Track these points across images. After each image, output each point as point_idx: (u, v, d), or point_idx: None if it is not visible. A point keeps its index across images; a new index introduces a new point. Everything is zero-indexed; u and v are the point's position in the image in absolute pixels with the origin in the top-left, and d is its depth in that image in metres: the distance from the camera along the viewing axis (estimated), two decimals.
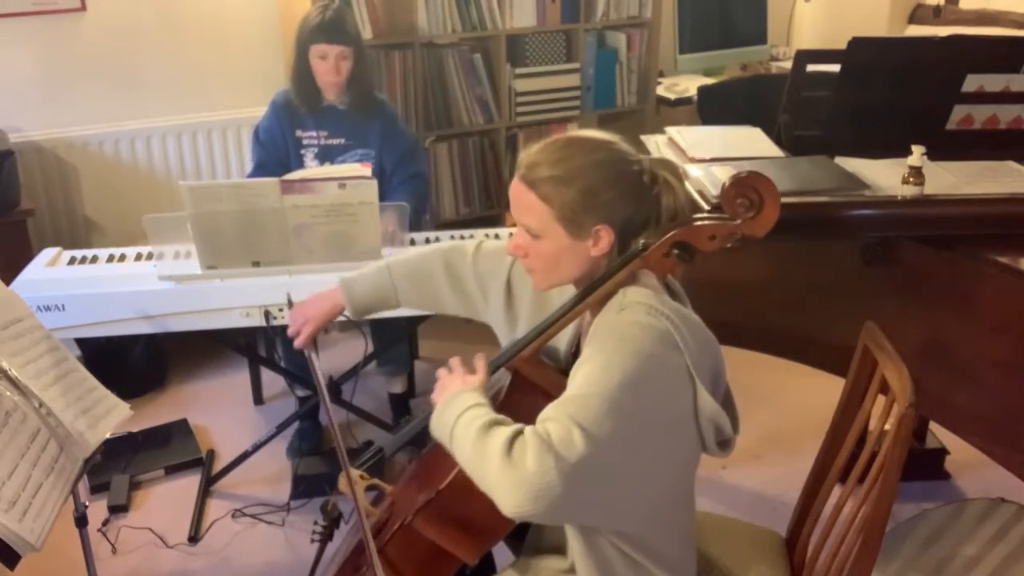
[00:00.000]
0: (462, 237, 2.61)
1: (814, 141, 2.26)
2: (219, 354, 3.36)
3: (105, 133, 3.38)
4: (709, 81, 3.80)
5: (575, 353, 1.50)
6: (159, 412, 3.09)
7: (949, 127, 2.22)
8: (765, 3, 4.13)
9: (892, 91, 2.17)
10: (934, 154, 2.06)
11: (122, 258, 2.49)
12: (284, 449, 2.85)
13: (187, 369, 3.35)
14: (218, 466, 2.80)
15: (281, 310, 2.34)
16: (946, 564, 2.07)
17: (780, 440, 2.85)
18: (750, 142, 2.35)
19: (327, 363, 3.14)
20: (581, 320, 1.47)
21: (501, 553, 1.66)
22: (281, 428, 2.74)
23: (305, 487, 2.65)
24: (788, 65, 3.63)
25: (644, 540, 1.36)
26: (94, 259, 2.49)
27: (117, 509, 2.62)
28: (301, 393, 2.97)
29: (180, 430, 2.98)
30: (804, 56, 2.33)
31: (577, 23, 3.72)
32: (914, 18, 4.01)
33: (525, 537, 1.56)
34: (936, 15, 3.87)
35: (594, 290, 1.37)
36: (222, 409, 3.15)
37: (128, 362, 3.14)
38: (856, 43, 2.14)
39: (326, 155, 2.84)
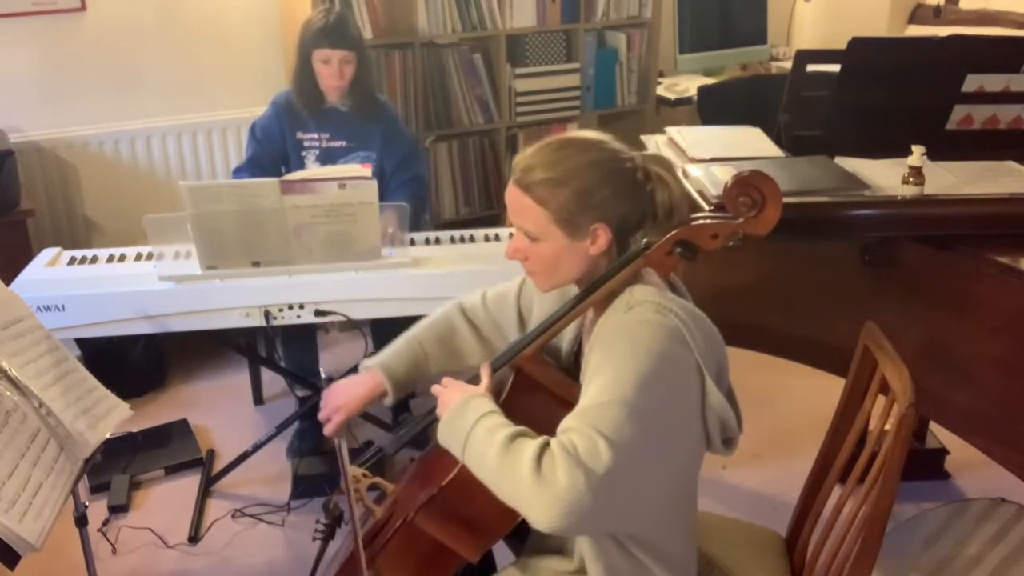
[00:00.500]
0: (462, 238, 2.61)
1: (814, 141, 2.26)
2: (219, 354, 3.36)
3: (105, 133, 3.38)
4: (709, 81, 3.81)
5: (577, 352, 1.51)
6: (159, 412, 3.09)
7: (949, 127, 2.22)
8: (765, 3, 4.13)
9: (892, 91, 2.17)
10: (934, 154, 2.06)
11: (122, 258, 2.49)
12: (284, 449, 2.85)
13: (187, 369, 3.35)
14: (218, 466, 2.80)
15: (281, 310, 2.34)
16: (946, 564, 2.07)
17: (780, 440, 2.85)
18: (750, 142, 2.35)
19: (327, 363, 3.14)
20: (582, 319, 1.47)
21: (502, 554, 1.67)
22: (281, 428, 2.74)
23: (305, 487, 2.65)
24: (788, 65, 3.63)
25: (648, 539, 1.37)
26: (94, 259, 2.49)
27: (117, 509, 2.62)
28: (301, 393, 2.97)
29: (180, 430, 2.98)
30: (804, 56, 2.33)
31: (577, 23, 3.73)
32: (914, 18, 4.01)
33: (526, 538, 1.56)
34: (936, 15, 3.87)
35: (596, 288, 1.37)
36: (222, 409, 3.15)
37: (128, 362, 3.14)
38: (856, 43, 2.14)
39: (327, 157, 2.84)
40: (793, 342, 2.22)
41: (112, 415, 1.78)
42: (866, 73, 2.17)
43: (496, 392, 1.38)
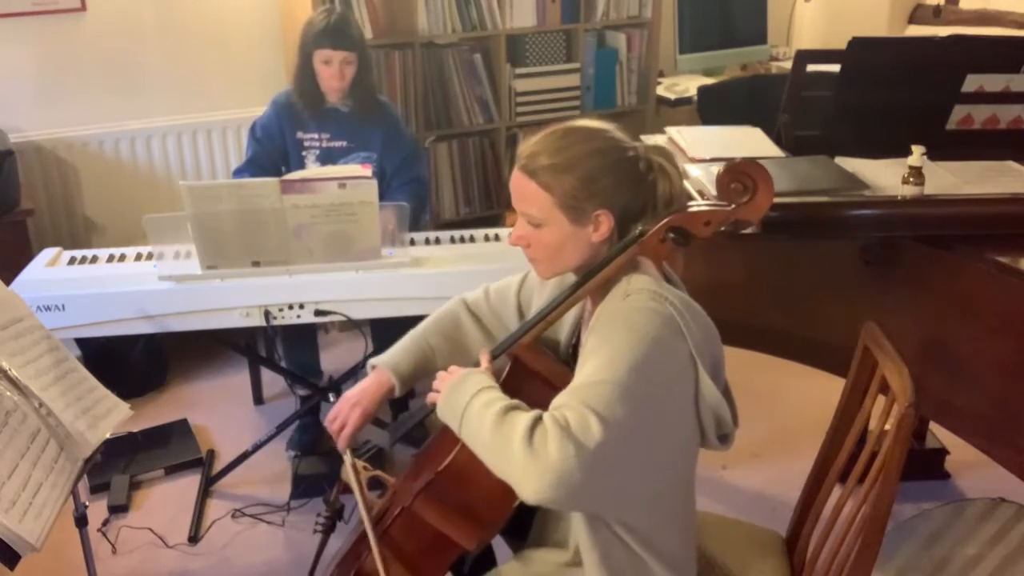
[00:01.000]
0: (462, 238, 2.61)
1: (814, 141, 2.26)
2: (219, 354, 3.36)
3: (105, 133, 3.38)
4: (709, 81, 3.81)
5: (576, 344, 1.52)
6: (159, 412, 3.09)
7: (949, 127, 2.22)
8: (765, 3, 4.13)
9: (892, 91, 2.17)
10: (934, 154, 2.06)
11: (122, 258, 2.49)
12: (284, 449, 2.85)
13: (187, 369, 3.35)
14: (218, 466, 2.80)
15: (281, 310, 2.34)
16: (946, 564, 2.07)
17: (780, 440, 2.85)
18: (750, 142, 2.35)
19: (327, 363, 3.14)
20: (582, 310, 1.49)
21: (502, 553, 1.67)
22: (281, 428, 2.74)
23: (305, 487, 2.65)
24: (788, 65, 3.62)
25: (647, 534, 1.37)
26: (94, 259, 2.49)
27: (117, 509, 2.62)
28: (301, 393, 2.97)
29: (180, 430, 2.98)
30: (804, 56, 2.33)
31: (577, 23, 3.73)
32: (914, 18, 4.01)
33: (526, 535, 1.56)
34: (936, 15, 3.87)
35: (592, 276, 1.39)
36: (222, 409, 3.15)
37: (128, 362, 3.14)
38: (856, 43, 2.15)
39: (328, 157, 2.84)
40: (793, 342, 2.22)
41: (112, 415, 1.78)
42: (866, 73, 2.17)
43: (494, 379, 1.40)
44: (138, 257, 2.49)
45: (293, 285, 2.33)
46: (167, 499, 2.69)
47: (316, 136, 2.84)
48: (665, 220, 1.37)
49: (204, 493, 2.69)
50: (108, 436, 1.74)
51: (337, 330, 3.53)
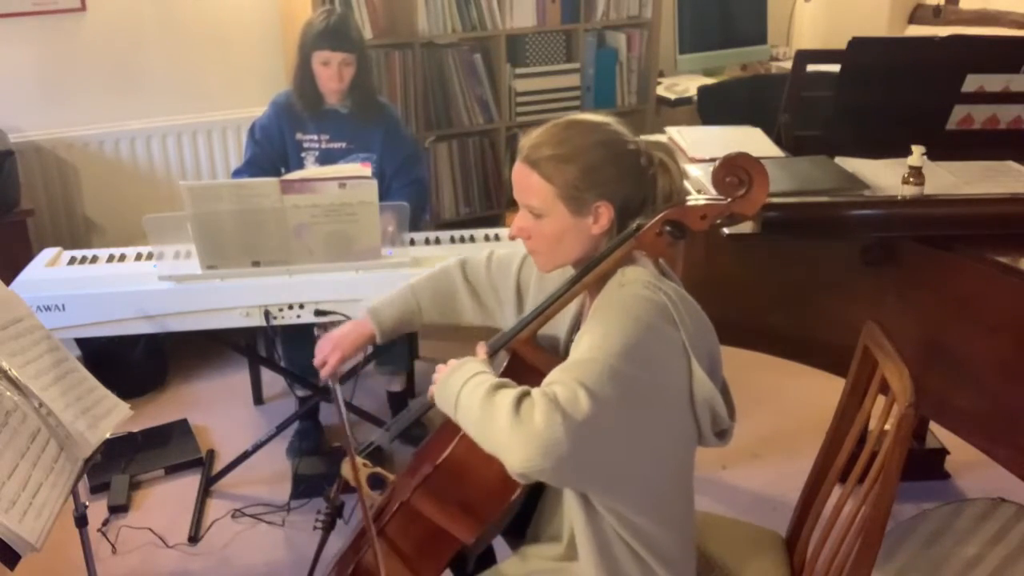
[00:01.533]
0: (462, 238, 2.61)
1: (814, 141, 2.26)
2: (219, 354, 3.36)
3: (105, 133, 3.38)
4: (709, 81, 3.81)
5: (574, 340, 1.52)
6: (159, 412, 3.09)
7: (949, 127, 2.22)
8: (765, 3, 4.13)
9: (892, 91, 2.17)
10: (934, 154, 2.06)
11: (122, 258, 2.49)
12: (284, 449, 2.85)
13: (187, 369, 3.35)
14: (218, 466, 2.80)
15: (281, 310, 2.34)
16: (946, 564, 2.07)
17: (780, 440, 2.85)
18: (750, 142, 2.35)
19: None
20: (581, 306, 1.50)
21: (503, 553, 1.67)
22: (281, 428, 2.74)
23: (305, 487, 2.65)
24: (788, 65, 3.63)
25: (646, 534, 1.37)
26: (94, 259, 2.49)
27: (117, 509, 2.62)
28: (301, 393, 2.97)
29: (180, 430, 2.98)
30: (804, 56, 2.33)
31: (577, 23, 3.73)
32: (914, 18, 4.01)
33: (525, 533, 1.57)
34: (936, 15, 3.87)
35: (591, 269, 1.40)
36: (222, 409, 3.15)
37: (128, 362, 3.14)
38: (856, 43, 2.15)
39: (327, 158, 2.83)
40: (793, 342, 2.22)
41: (112, 415, 1.78)
42: (866, 73, 2.17)
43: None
44: (138, 257, 2.49)
45: (293, 285, 2.33)
46: (167, 499, 2.69)
47: (315, 137, 2.84)
48: (662, 213, 1.38)
49: (204, 493, 2.69)
50: (108, 436, 1.74)
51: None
